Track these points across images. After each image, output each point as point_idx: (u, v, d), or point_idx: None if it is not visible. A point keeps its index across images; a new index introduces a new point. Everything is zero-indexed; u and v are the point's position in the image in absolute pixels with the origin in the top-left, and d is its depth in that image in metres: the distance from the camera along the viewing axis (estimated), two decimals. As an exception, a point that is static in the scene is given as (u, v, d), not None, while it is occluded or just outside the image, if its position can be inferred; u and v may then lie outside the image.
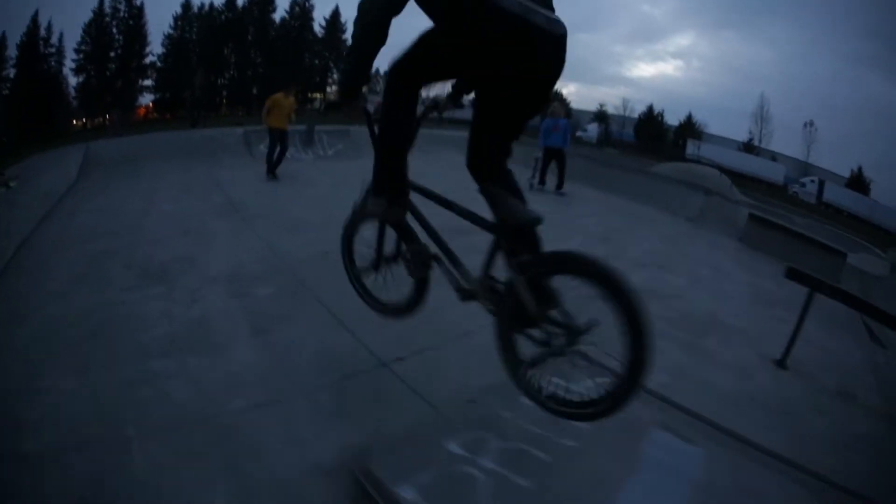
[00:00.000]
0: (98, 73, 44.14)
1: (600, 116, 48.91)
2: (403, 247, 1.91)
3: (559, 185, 8.33)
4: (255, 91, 46.73)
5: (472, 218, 1.68)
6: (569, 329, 1.48)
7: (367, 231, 2.09)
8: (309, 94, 42.24)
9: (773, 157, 35.20)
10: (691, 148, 41.77)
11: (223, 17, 47.09)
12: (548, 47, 1.44)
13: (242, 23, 47.14)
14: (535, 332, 1.56)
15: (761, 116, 39.40)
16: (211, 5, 46.73)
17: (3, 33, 40.27)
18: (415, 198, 1.82)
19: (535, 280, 1.51)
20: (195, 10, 45.93)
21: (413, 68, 1.56)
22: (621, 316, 1.28)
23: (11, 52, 40.35)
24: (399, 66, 1.56)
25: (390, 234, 1.98)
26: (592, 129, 45.63)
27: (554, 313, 1.52)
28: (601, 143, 40.66)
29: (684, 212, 8.47)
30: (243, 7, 47.27)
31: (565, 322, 1.49)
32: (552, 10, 1.47)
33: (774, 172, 29.10)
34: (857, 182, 32.73)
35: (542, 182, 8.39)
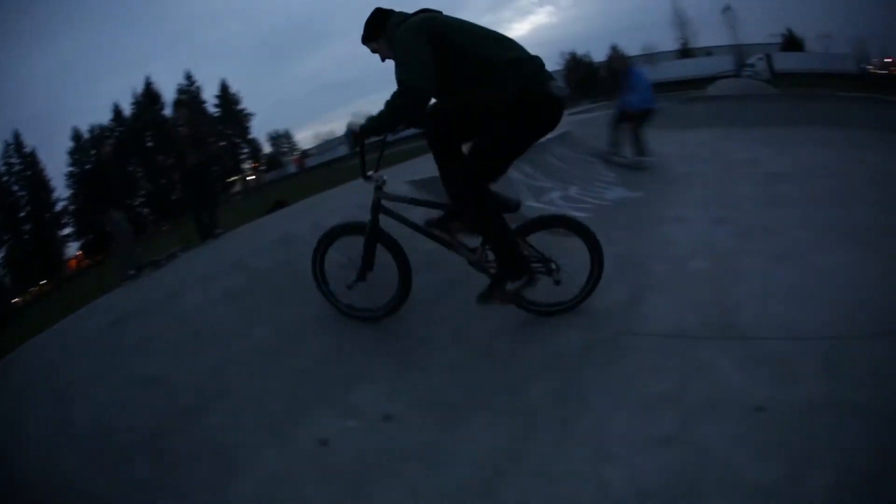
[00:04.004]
0: (16, 239, 41.18)
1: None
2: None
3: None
4: (174, 197, 43.89)
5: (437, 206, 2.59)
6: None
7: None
8: (226, 180, 39.56)
9: (708, 52, 36.00)
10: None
11: (115, 133, 45.07)
12: (559, 102, 2.28)
13: (137, 131, 45.71)
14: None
15: (681, 21, 40.31)
16: (100, 127, 45.59)
17: None
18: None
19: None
20: (86, 135, 43.95)
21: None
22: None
23: None
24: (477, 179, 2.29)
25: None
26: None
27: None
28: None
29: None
30: (134, 114, 46.13)
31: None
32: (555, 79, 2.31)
33: (721, 65, 29.39)
34: (792, 43, 33.91)
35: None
